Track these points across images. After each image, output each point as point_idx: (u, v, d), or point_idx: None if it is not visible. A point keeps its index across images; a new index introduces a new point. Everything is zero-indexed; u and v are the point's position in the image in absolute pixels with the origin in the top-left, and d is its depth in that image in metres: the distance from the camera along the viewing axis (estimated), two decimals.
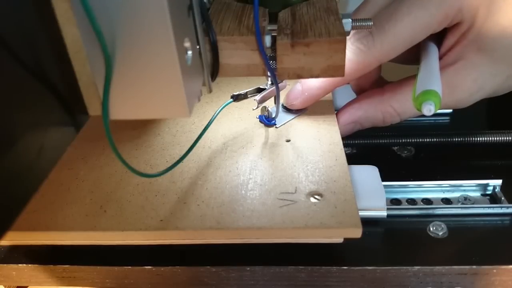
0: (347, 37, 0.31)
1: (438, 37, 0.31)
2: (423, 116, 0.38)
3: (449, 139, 0.34)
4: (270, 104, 0.32)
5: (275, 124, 0.32)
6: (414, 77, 0.29)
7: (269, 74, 0.23)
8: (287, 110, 0.34)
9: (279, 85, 0.29)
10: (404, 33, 0.28)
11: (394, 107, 0.31)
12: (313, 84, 0.32)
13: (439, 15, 0.27)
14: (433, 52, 0.30)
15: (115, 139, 0.18)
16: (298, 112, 0.34)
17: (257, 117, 0.33)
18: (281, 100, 0.34)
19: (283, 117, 0.33)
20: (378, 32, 0.28)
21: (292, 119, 0.33)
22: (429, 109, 0.24)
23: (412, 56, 0.31)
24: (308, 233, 0.24)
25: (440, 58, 0.30)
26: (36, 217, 0.25)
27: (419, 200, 0.30)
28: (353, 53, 0.29)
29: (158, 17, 0.16)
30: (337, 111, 0.34)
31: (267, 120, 0.32)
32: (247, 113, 0.34)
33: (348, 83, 0.35)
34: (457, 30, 0.29)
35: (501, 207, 0.28)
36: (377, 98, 0.32)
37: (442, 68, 0.29)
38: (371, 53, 0.28)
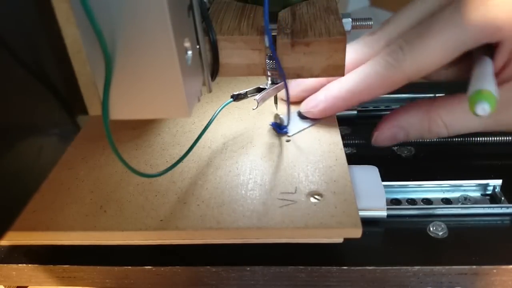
0: (375, 50, 0.30)
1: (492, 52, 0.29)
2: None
3: (449, 139, 0.34)
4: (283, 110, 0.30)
5: (287, 133, 0.31)
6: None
7: (270, 74, 0.23)
8: (302, 117, 0.32)
9: (279, 85, 0.29)
10: (436, 50, 0.27)
11: (441, 115, 0.30)
12: (337, 94, 0.30)
13: (473, 32, 0.26)
14: (487, 62, 0.28)
15: (115, 139, 0.18)
16: (314, 121, 0.31)
17: (270, 124, 0.32)
18: (280, 100, 0.33)
19: (297, 125, 0.31)
20: (409, 48, 0.27)
21: (307, 128, 0.31)
22: (483, 109, 0.22)
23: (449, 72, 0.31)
24: (308, 233, 0.23)
25: (496, 75, 0.28)
26: (36, 217, 0.25)
27: (419, 200, 0.30)
28: (382, 66, 0.28)
29: (158, 17, 0.16)
30: (382, 118, 0.32)
31: (279, 128, 0.31)
32: (247, 113, 0.34)
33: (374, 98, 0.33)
34: (503, 48, 0.28)
35: (501, 207, 0.28)
36: (426, 106, 0.30)
37: (498, 85, 0.27)
38: (401, 67, 0.28)
